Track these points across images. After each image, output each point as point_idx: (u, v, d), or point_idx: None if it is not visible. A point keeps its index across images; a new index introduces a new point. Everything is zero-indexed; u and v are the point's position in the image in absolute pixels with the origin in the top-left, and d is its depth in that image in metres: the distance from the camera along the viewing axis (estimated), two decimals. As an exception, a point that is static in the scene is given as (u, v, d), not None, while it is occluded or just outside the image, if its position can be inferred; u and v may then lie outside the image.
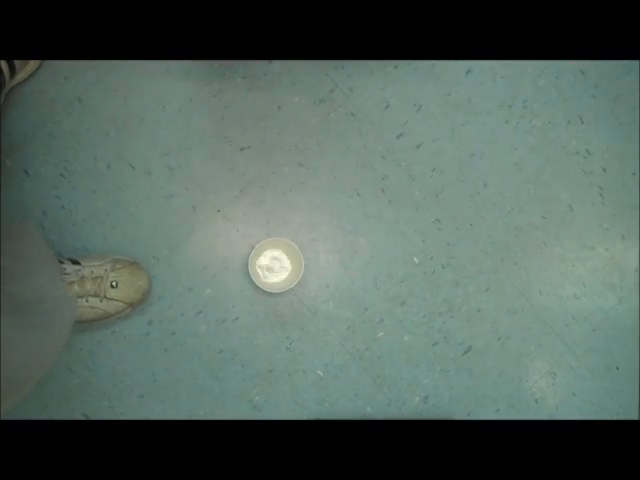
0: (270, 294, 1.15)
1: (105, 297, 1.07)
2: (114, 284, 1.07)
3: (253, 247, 1.12)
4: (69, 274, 1.03)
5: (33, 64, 1.10)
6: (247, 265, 1.12)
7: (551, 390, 1.23)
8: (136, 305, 1.10)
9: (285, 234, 1.15)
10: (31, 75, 1.11)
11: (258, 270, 1.13)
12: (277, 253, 1.15)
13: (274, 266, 1.15)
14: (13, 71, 1.06)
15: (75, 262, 1.06)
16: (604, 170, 1.25)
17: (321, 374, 1.17)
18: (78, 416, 1.10)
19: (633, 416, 1.24)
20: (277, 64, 1.18)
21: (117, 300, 1.08)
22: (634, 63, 1.25)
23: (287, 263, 1.15)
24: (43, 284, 0.89)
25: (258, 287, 1.12)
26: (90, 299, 1.05)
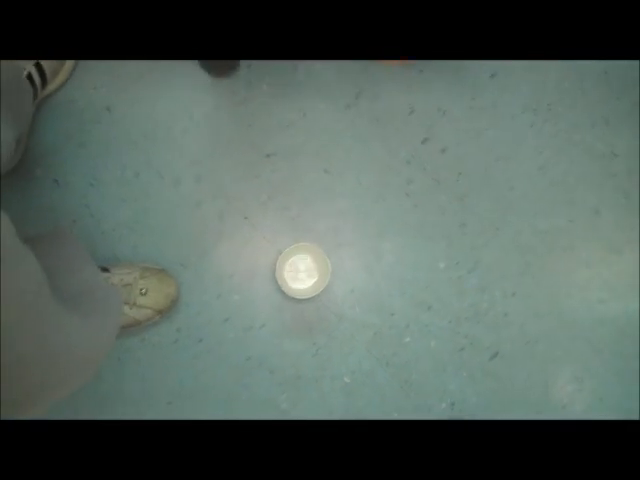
0: (297, 300, 1.15)
1: (135, 304, 1.08)
2: (143, 291, 1.09)
3: (280, 253, 1.12)
4: (99, 282, 1.04)
5: (63, 75, 1.12)
6: (274, 272, 1.12)
7: (578, 395, 1.22)
8: (165, 312, 1.11)
9: (311, 240, 1.16)
10: (61, 86, 1.13)
11: (285, 276, 1.14)
12: (304, 259, 1.15)
13: (301, 272, 1.15)
14: (45, 82, 1.07)
15: (105, 270, 1.07)
16: (629, 172, 1.24)
17: (348, 380, 1.17)
18: (109, 422, 1.11)
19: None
20: (302, 71, 1.19)
21: (146, 307, 1.09)
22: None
23: (314, 269, 1.15)
24: (87, 279, 0.90)
25: (285, 293, 1.12)
26: (120, 306, 1.06)
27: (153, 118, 1.16)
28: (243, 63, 1.18)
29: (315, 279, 1.15)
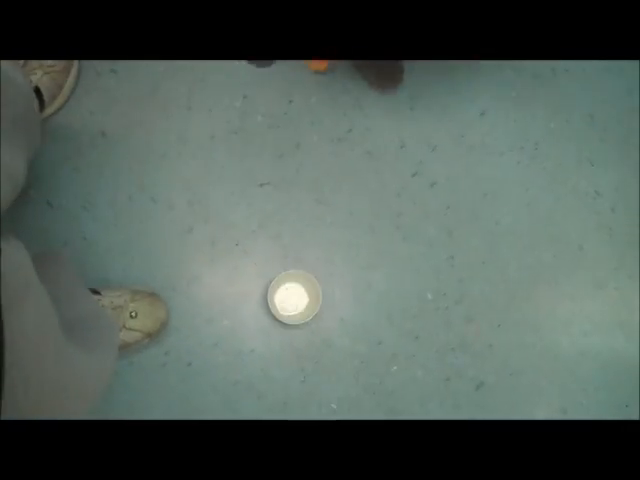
0: (286, 327, 1.16)
1: (124, 327, 1.08)
2: (133, 314, 1.09)
3: (271, 280, 1.14)
4: (90, 304, 1.05)
5: (61, 99, 1.13)
6: (264, 298, 1.13)
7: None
8: (154, 336, 1.12)
9: (302, 269, 1.17)
10: (59, 109, 1.14)
11: (276, 302, 1.15)
12: (295, 286, 1.17)
13: (292, 299, 1.16)
14: (42, 106, 1.09)
15: (95, 292, 1.08)
16: (613, 210, 1.28)
17: (335, 407, 1.18)
18: (94, 446, 1.10)
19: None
20: (296, 103, 1.21)
21: (136, 330, 1.09)
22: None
23: (305, 296, 1.17)
24: (84, 306, 0.90)
25: (275, 320, 1.14)
26: (110, 329, 1.06)
27: (148, 144, 1.18)
28: (238, 93, 1.20)
29: (305, 306, 1.16)
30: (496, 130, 1.26)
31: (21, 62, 1.08)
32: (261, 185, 1.19)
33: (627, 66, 1.32)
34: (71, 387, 0.61)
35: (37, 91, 1.07)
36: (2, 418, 0.46)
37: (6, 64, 0.73)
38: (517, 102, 1.27)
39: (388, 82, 1.23)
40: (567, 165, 1.28)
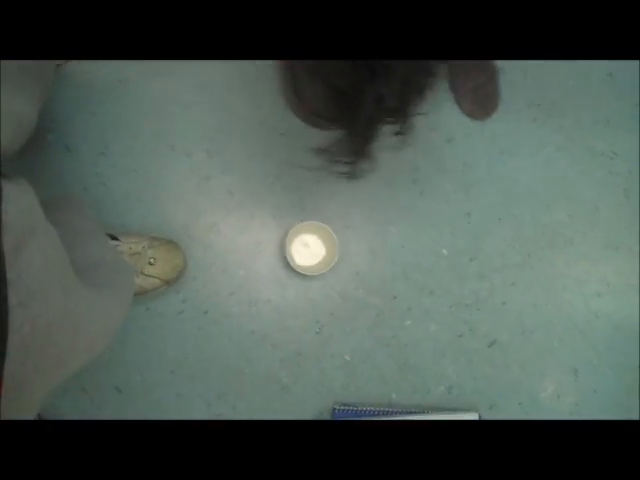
0: (302, 278, 1.17)
1: (142, 273, 1.09)
2: (151, 261, 1.09)
3: (287, 231, 1.14)
4: (108, 249, 1.05)
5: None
6: (281, 248, 1.13)
7: (573, 386, 1.24)
8: (171, 283, 1.12)
9: (318, 221, 1.17)
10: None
11: (293, 252, 1.15)
12: (312, 237, 1.17)
13: (309, 249, 1.16)
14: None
15: (114, 238, 1.08)
16: (630, 172, 1.28)
17: (348, 359, 1.18)
18: (111, 389, 1.10)
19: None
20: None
21: (153, 277, 1.10)
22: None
23: (321, 247, 1.17)
24: (99, 251, 0.90)
25: (290, 270, 1.14)
26: (127, 274, 1.06)
27: (167, 91, 1.18)
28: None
29: (322, 257, 1.17)
30: (513, 87, 1.26)
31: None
32: (281, 134, 1.19)
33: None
34: (81, 326, 0.61)
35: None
36: (10, 355, 0.47)
37: None
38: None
39: (481, 110, 1.23)
40: (584, 124, 1.27)
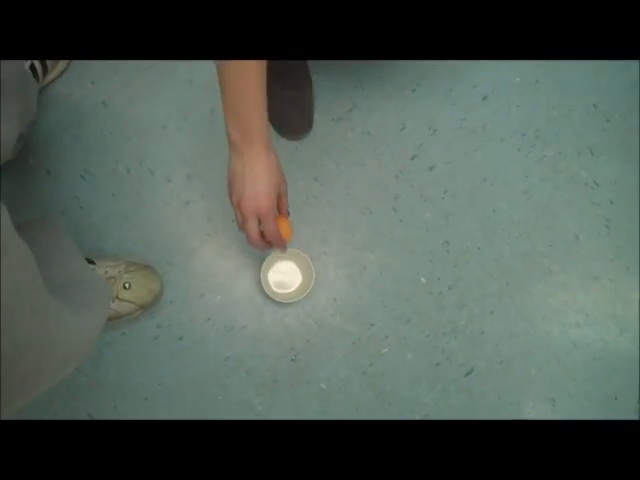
0: (279, 305, 1.17)
1: (117, 298, 1.09)
2: (127, 285, 1.09)
3: (265, 257, 1.14)
4: (84, 273, 1.05)
5: (62, 63, 1.13)
6: (258, 275, 1.14)
7: (550, 416, 1.24)
8: (147, 308, 1.12)
9: (297, 247, 1.17)
10: (60, 75, 1.14)
11: (269, 280, 1.15)
12: (289, 264, 1.17)
13: (285, 277, 1.17)
14: (45, 70, 1.09)
15: (90, 262, 1.08)
16: (611, 202, 1.28)
17: (324, 387, 1.18)
18: (82, 415, 1.11)
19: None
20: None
21: (129, 301, 1.10)
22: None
23: (298, 274, 1.17)
24: (77, 270, 0.91)
25: (267, 297, 1.14)
26: (103, 299, 1.06)
27: (149, 116, 1.18)
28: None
29: (298, 284, 1.17)
30: (498, 116, 1.26)
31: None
32: (259, 162, 1.19)
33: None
34: (51, 345, 0.61)
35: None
36: None
37: None
38: (520, 88, 1.27)
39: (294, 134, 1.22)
40: (567, 154, 1.27)
